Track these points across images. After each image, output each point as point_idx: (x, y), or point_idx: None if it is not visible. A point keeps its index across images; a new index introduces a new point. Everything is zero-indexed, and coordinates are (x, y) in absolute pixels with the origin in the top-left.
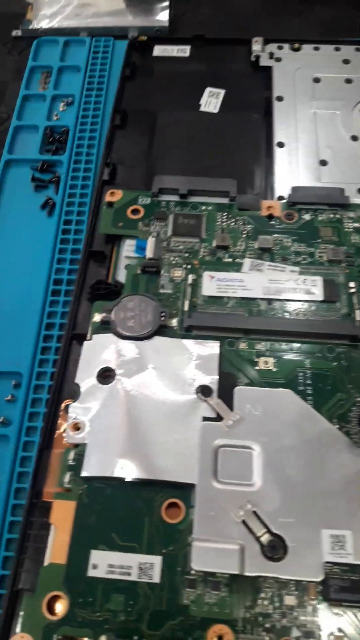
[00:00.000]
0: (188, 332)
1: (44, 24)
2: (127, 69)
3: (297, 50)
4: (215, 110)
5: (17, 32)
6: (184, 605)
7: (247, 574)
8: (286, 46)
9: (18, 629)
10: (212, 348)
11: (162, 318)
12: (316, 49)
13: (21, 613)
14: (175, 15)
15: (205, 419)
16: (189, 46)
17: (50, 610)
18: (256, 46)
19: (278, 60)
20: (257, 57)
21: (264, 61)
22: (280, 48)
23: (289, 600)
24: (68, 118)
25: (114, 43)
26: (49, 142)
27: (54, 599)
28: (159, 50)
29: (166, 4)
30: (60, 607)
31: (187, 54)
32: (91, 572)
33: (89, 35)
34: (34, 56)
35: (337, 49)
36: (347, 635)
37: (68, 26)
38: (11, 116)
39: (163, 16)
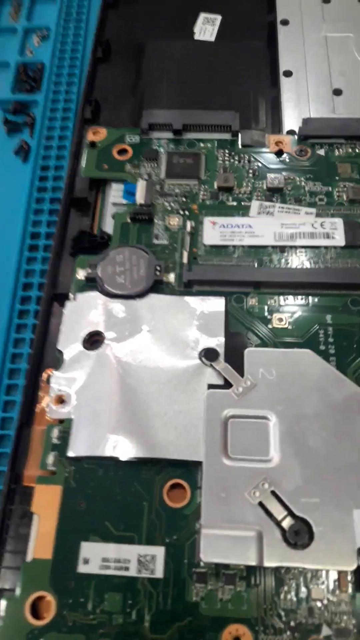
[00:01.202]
0: (188, 288)
1: None
2: None
3: None
4: (212, 38)
5: None
6: (193, 603)
7: (266, 565)
8: None
9: None
10: (217, 305)
11: (157, 272)
12: None
13: (1, 616)
14: None
15: (211, 386)
16: None
17: (35, 613)
18: None
19: None
20: None
21: None
22: None
23: (317, 593)
24: (43, 53)
25: None
26: (22, 81)
27: (39, 600)
28: None
29: None
30: (47, 610)
31: None
32: (82, 568)
33: None
34: None
35: None
36: None
37: None
38: None
39: None
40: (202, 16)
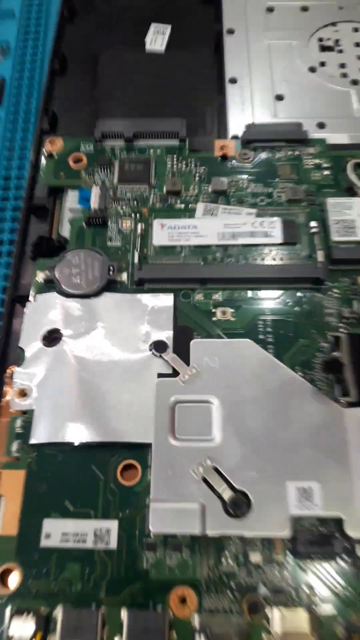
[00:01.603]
0: (139, 286)
1: None
2: (64, 10)
3: None
4: (162, 48)
5: None
6: (144, 570)
7: (209, 534)
8: None
9: None
10: (166, 301)
11: (111, 273)
12: None
13: None
14: None
15: (160, 375)
16: None
17: (3, 583)
18: None
19: None
20: None
21: None
22: None
23: (255, 557)
24: (4, 68)
25: None
26: None
27: (6, 572)
28: None
29: None
30: (13, 580)
31: None
32: (44, 542)
33: None
34: None
35: None
36: (316, 590)
37: None
38: None
39: None
40: (153, 27)
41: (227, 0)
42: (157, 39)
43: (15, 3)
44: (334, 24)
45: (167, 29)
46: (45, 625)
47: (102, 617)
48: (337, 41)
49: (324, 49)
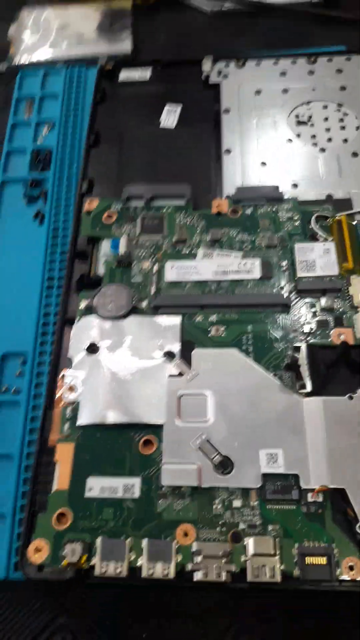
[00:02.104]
0: (155, 310)
1: (25, 58)
2: (97, 95)
3: (241, 66)
4: (173, 126)
5: (1, 68)
6: (158, 512)
7: (204, 486)
8: (232, 64)
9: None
10: (175, 321)
11: (134, 301)
12: (258, 64)
13: (37, 526)
14: (139, 42)
15: (171, 376)
16: (149, 71)
17: (59, 522)
18: (206, 66)
19: (225, 77)
20: (207, 76)
21: (213, 78)
22: (227, 66)
23: (236, 503)
24: (51, 140)
25: (87, 71)
26: (36, 162)
27: (61, 514)
28: (123, 76)
29: (128, 32)
30: (66, 520)
31: (147, 77)
32: (88, 494)
33: (64, 64)
34: (18, 87)
35: (275, 63)
36: (279, 523)
37: (46, 59)
38: (3, 142)
39: (126, 44)
40: (167, 107)
41: (225, 85)
42: (169, 117)
43: (59, 87)
44: (308, 102)
45: (179, 107)
46: (89, 550)
47: (129, 545)
48: (310, 117)
49: (299, 123)
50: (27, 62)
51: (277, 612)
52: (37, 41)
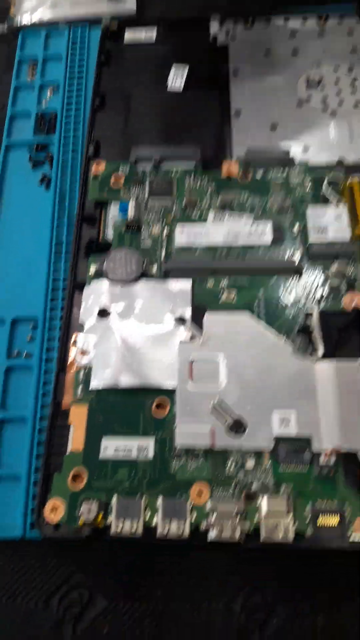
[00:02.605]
0: (166, 275)
1: (26, 19)
2: (102, 56)
3: (250, 27)
4: (180, 87)
5: (2, 29)
6: (172, 473)
7: (217, 447)
8: (240, 24)
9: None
10: (185, 286)
11: (144, 265)
12: (267, 23)
13: (53, 487)
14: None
15: (182, 340)
16: (154, 32)
17: (75, 482)
18: (213, 27)
19: (233, 38)
20: (215, 37)
21: (221, 39)
22: (235, 26)
23: (249, 464)
24: (55, 103)
25: (90, 32)
26: (40, 126)
27: (77, 475)
28: (128, 37)
29: None
30: (82, 480)
31: (153, 39)
32: (102, 455)
33: (66, 25)
34: (20, 48)
35: (286, 19)
36: (292, 484)
37: (48, 19)
38: (6, 105)
39: (131, 3)
40: (174, 68)
41: (234, 46)
42: (176, 79)
43: (62, 48)
44: (318, 64)
45: (185, 69)
46: (104, 509)
47: (144, 504)
48: (320, 79)
49: (309, 86)
50: (28, 23)
51: (290, 572)
52: (38, 1)
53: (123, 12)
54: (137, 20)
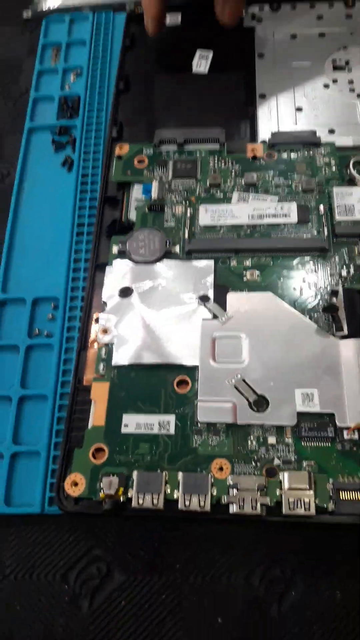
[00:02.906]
0: (189, 255)
1: (50, 4)
2: (126, 40)
3: (276, 10)
4: (205, 70)
5: (27, 14)
6: (193, 448)
7: (239, 422)
8: (266, 7)
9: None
10: (208, 266)
11: (167, 245)
12: (293, 7)
13: (74, 461)
14: None
15: (204, 319)
16: (180, 14)
17: (96, 457)
18: None
19: (259, 20)
20: (241, 19)
21: (247, 22)
22: (261, 10)
23: (271, 440)
24: (78, 87)
25: (114, 17)
26: (63, 109)
27: (98, 449)
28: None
29: None
30: (103, 455)
31: (179, 21)
32: (124, 430)
33: (90, 10)
34: (44, 34)
35: (312, 6)
36: (314, 460)
37: (72, 4)
38: (29, 89)
39: None
40: (198, 52)
41: (259, 28)
42: (201, 62)
43: (86, 33)
44: (345, 47)
45: (210, 53)
46: (125, 483)
47: (164, 478)
48: (347, 62)
49: (336, 68)
50: (53, 8)
51: (310, 546)
52: None
53: None
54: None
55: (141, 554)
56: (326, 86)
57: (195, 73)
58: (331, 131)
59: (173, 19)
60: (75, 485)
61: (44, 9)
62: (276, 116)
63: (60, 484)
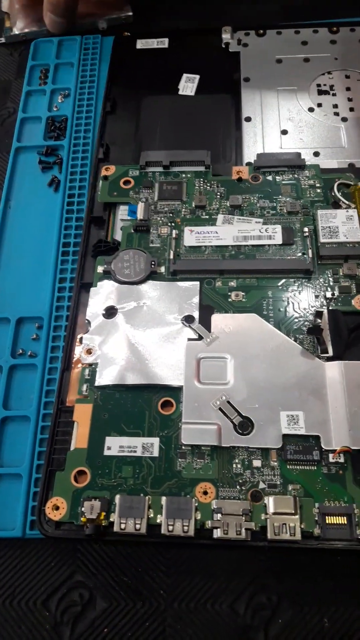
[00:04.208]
0: (174, 276)
1: (22, 29)
2: (114, 62)
3: (261, 35)
4: (192, 93)
5: (1, 39)
6: (177, 471)
7: (223, 445)
8: (252, 32)
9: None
10: (194, 287)
11: (152, 266)
12: (278, 33)
13: (56, 484)
14: (154, 8)
15: (190, 339)
16: (167, 39)
17: (78, 480)
18: (225, 34)
19: (245, 45)
20: (227, 44)
21: (233, 47)
22: (247, 34)
23: (256, 463)
24: (66, 108)
25: (102, 39)
26: (51, 130)
27: (80, 472)
28: (141, 44)
29: None
30: (85, 478)
31: (166, 45)
32: (106, 452)
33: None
34: (32, 56)
35: (296, 32)
36: (300, 483)
37: (44, 28)
38: (17, 110)
39: (127, 9)
40: (185, 76)
41: (245, 53)
42: (187, 86)
43: (74, 56)
44: (329, 72)
45: (196, 78)
46: (108, 507)
47: (147, 502)
48: (331, 86)
49: (320, 92)
50: (24, 32)
51: (296, 572)
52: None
53: (120, 17)
54: (131, 24)
55: (124, 579)
56: (311, 110)
57: (182, 95)
58: (316, 154)
59: (160, 43)
60: (57, 509)
61: (17, 33)
62: (261, 139)
63: (42, 507)
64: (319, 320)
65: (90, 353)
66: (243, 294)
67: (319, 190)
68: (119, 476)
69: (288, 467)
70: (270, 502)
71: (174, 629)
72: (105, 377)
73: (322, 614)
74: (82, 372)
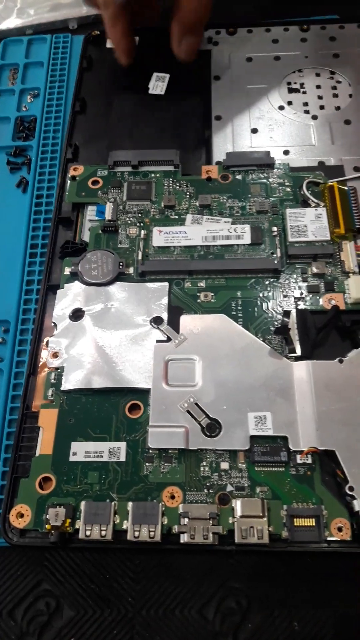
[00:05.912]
0: (142, 277)
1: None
2: (84, 61)
3: (232, 34)
4: (162, 92)
5: None
6: (144, 475)
7: (191, 448)
8: (223, 31)
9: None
10: (163, 288)
11: (121, 267)
12: (249, 31)
13: (20, 492)
14: None
15: (158, 341)
16: (137, 38)
17: (43, 487)
18: None
19: (216, 44)
20: None
21: (203, 45)
22: (217, 33)
23: (224, 465)
24: (35, 108)
25: (72, 39)
26: (19, 130)
27: (45, 479)
28: (111, 43)
29: None
30: (50, 484)
31: (136, 43)
32: (72, 458)
33: (34, 32)
34: (2, 55)
35: (267, 30)
36: (268, 485)
37: (15, 26)
38: None
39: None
40: (155, 75)
41: (215, 51)
42: (157, 85)
43: (44, 55)
44: (300, 70)
45: (166, 77)
46: (73, 513)
47: (114, 508)
48: (302, 84)
49: (291, 91)
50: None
51: (265, 575)
52: (2, 10)
53: (90, 15)
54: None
55: (92, 587)
56: (281, 108)
57: (152, 94)
58: (286, 152)
59: None
60: (21, 516)
61: None
62: (231, 138)
63: (6, 515)
64: (287, 320)
65: (56, 357)
66: (212, 294)
67: (288, 189)
68: (85, 482)
69: (256, 469)
70: (237, 505)
71: (143, 636)
72: (71, 381)
73: (292, 617)
74: (48, 377)
